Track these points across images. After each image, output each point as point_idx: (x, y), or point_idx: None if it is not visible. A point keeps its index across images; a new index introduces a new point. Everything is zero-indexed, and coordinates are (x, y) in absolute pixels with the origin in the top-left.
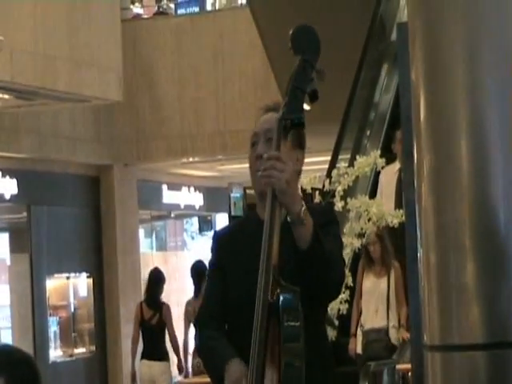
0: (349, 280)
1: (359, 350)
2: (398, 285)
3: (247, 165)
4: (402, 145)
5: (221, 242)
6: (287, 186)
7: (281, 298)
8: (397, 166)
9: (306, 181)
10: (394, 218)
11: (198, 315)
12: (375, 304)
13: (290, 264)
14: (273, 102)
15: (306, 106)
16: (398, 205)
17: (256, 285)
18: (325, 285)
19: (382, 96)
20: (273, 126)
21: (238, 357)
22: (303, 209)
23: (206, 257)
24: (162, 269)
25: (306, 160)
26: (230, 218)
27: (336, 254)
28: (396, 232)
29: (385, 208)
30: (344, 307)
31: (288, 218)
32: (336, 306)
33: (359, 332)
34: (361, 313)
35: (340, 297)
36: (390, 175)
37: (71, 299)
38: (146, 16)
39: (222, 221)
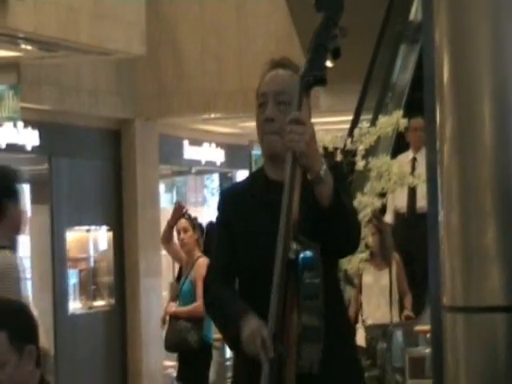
0: (369, 240)
1: (362, 342)
2: (401, 277)
3: None
4: (424, 113)
5: (228, 201)
6: (307, 149)
7: (301, 255)
8: (410, 155)
9: (327, 139)
10: (416, 179)
11: (208, 275)
12: (376, 298)
13: (308, 221)
14: (280, 56)
15: (329, 64)
16: (411, 196)
17: (269, 248)
18: (346, 239)
19: (405, 56)
20: (283, 89)
21: (253, 313)
22: (323, 167)
23: None
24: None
25: (329, 119)
26: (250, 174)
27: (352, 209)
28: (407, 223)
29: (396, 201)
30: (364, 266)
31: (308, 176)
32: (356, 265)
33: (360, 325)
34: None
35: (360, 256)
36: (403, 165)
37: (91, 252)
38: None
39: (242, 178)
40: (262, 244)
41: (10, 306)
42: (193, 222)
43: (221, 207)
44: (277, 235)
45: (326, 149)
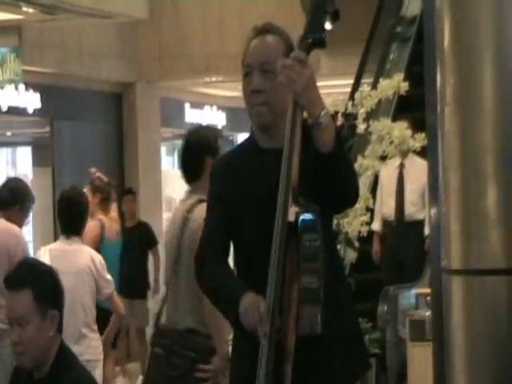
0: (369, 202)
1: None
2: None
3: None
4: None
5: (221, 172)
6: (304, 90)
7: (301, 217)
8: (397, 161)
9: (328, 102)
10: (416, 141)
11: (200, 250)
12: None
13: (308, 180)
14: (263, 22)
15: (328, 26)
16: (399, 203)
17: (267, 214)
18: (345, 191)
19: (406, 18)
20: (269, 57)
21: (250, 290)
22: (324, 112)
23: None
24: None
25: (330, 83)
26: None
27: (352, 164)
28: (395, 231)
29: (384, 208)
30: (365, 229)
31: (309, 121)
32: (357, 228)
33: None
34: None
35: (361, 219)
36: (390, 171)
37: None
38: None
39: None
40: (259, 211)
41: (39, 267)
42: (91, 186)
43: (214, 178)
44: (273, 202)
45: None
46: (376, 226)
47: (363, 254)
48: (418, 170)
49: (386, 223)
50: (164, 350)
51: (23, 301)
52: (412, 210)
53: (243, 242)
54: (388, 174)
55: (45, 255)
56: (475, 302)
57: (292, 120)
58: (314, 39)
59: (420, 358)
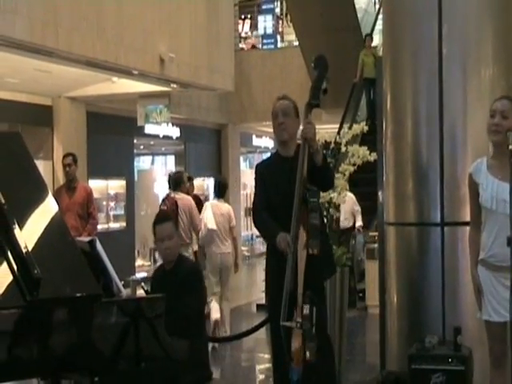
0: (346, 187)
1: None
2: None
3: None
4: None
5: (260, 169)
6: (312, 136)
7: (308, 192)
8: (352, 196)
9: (327, 136)
10: (371, 156)
11: (255, 206)
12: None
13: (310, 176)
14: (282, 95)
15: (321, 97)
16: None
17: (286, 193)
18: (327, 183)
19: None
20: (285, 108)
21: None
22: (318, 147)
23: None
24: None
25: (327, 126)
26: None
27: (331, 170)
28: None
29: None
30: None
31: (311, 150)
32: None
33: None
34: None
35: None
36: (348, 200)
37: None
38: None
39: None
40: (281, 191)
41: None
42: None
43: (258, 172)
44: (291, 185)
45: (326, 141)
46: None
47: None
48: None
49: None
50: None
51: (169, 227)
52: (345, 223)
53: (271, 205)
54: (348, 202)
55: (207, 206)
56: (400, 241)
57: (303, 150)
58: (312, 104)
59: (372, 269)
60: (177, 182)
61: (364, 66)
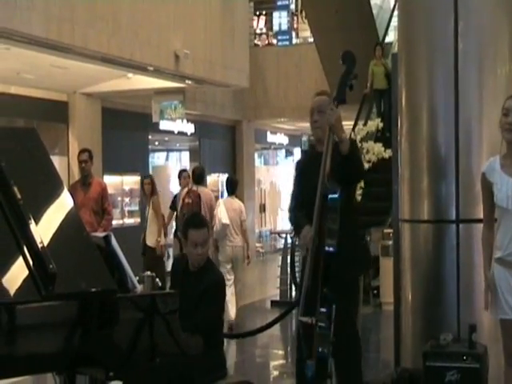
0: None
1: None
2: None
3: (308, 124)
4: None
5: (298, 165)
6: (335, 122)
7: (329, 195)
8: None
9: None
10: (386, 154)
11: (291, 202)
12: None
13: (335, 171)
14: (320, 90)
15: (348, 91)
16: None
17: (315, 187)
18: (353, 175)
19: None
20: (321, 105)
21: (309, 224)
22: (344, 135)
23: (289, 171)
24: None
25: (344, 123)
26: (301, 150)
27: (361, 160)
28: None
29: None
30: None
31: (336, 139)
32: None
33: None
34: None
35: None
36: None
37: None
38: None
39: (297, 151)
40: (314, 186)
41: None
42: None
43: (296, 168)
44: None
45: None
46: None
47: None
48: None
49: None
50: None
51: (206, 233)
52: None
53: (305, 200)
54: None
55: (220, 203)
56: (415, 238)
57: (328, 139)
58: (341, 99)
59: (387, 266)
60: (200, 176)
61: (374, 77)
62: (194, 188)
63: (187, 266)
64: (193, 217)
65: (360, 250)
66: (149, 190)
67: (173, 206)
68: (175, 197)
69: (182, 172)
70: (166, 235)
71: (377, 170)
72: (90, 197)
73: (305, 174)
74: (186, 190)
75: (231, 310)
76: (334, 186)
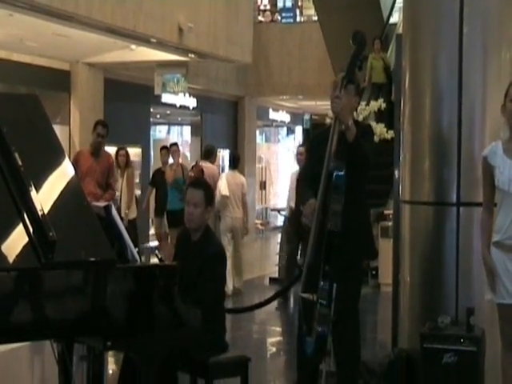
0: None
1: None
2: None
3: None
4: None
5: (312, 139)
6: (340, 110)
7: (335, 172)
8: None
9: None
10: (388, 135)
11: (300, 177)
12: None
13: (340, 153)
14: (341, 68)
15: (357, 73)
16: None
17: (324, 162)
18: (357, 163)
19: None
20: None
21: (314, 197)
22: (350, 123)
23: (290, 148)
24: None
25: None
26: (303, 128)
27: (366, 147)
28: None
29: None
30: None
31: (342, 127)
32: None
33: None
34: None
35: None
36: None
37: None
38: None
39: (298, 130)
40: (323, 161)
41: (209, 186)
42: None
43: (310, 146)
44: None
45: None
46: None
47: None
48: None
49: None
50: None
51: (199, 195)
52: None
53: (316, 175)
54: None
55: (223, 176)
56: (415, 220)
57: (334, 125)
58: (350, 79)
59: (386, 247)
60: (210, 152)
61: (372, 71)
62: (200, 163)
63: (189, 238)
64: (191, 179)
65: (366, 238)
66: (123, 161)
67: (152, 182)
68: (155, 172)
69: (172, 146)
70: (137, 207)
71: (380, 152)
72: (97, 168)
73: (316, 149)
74: (173, 166)
75: (229, 283)
76: (339, 164)
